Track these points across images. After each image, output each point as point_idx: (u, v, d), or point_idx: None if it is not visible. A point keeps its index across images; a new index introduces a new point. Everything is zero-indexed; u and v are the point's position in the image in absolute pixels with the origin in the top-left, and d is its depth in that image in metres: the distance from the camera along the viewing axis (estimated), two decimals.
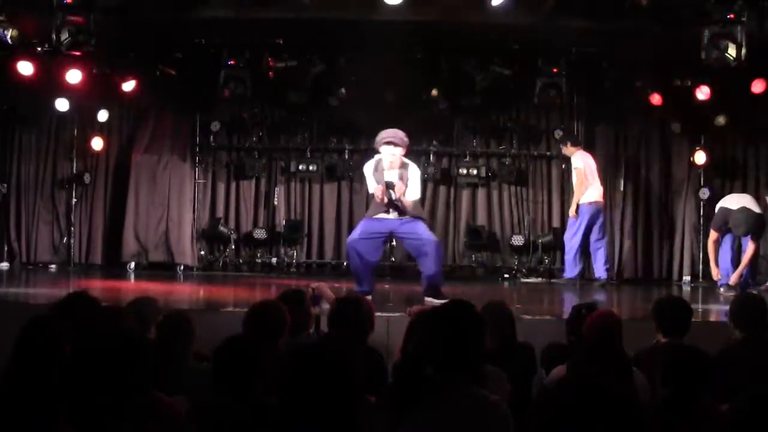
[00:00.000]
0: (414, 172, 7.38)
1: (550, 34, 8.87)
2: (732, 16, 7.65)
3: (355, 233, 7.39)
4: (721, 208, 9.06)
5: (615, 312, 4.68)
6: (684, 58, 8.94)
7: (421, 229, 7.33)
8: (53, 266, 10.78)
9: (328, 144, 11.02)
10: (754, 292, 8.37)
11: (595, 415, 2.35)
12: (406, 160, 7.42)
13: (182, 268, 10.66)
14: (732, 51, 7.67)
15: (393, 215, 7.30)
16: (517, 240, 10.82)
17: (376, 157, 7.46)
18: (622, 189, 10.82)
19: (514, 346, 4.45)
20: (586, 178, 9.53)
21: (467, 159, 10.85)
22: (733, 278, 8.95)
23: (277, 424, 2.63)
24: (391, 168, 7.28)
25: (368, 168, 7.47)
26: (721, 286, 9.14)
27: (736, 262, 9.17)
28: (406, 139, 7.34)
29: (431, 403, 2.79)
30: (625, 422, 2.35)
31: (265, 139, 11.01)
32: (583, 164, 9.60)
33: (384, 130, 7.39)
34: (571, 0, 8.18)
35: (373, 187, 7.33)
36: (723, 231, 9.07)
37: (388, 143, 7.24)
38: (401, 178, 7.27)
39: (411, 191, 7.32)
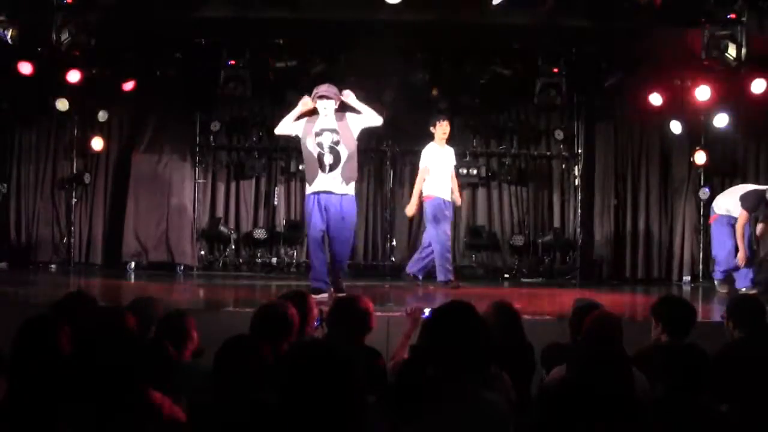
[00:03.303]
0: (353, 115, 7.51)
1: (550, 34, 8.88)
2: (732, 16, 7.66)
3: (314, 226, 7.38)
4: (755, 191, 8.89)
5: (615, 312, 4.68)
6: (684, 58, 8.94)
7: (352, 216, 7.47)
8: (53, 266, 10.78)
9: None
10: (753, 291, 8.43)
11: (595, 414, 2.35)
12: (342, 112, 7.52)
13: (182, 268, 10.66)
14: (732, 51, 7.68)
15: (331, 185, 7.31)
16: (517, 240, 10.83)
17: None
18: (621, 189, 10.83)
19: (520, 346, 4.45)
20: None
21: (467, 159, 10.85)
22: (740, 257, 8.85)
23: (277, 425, 2.63)
24: (324, 116, 7.41)
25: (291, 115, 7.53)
26: (716, 279, 9.25)
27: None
28: (338, 92, 7.47)
29: (431, 403, 2.79)
30: (625, 422, 2.35)
31: (265, 139, 11.01)
32: None
33: (319, 85, 7.51)
34: (571, 0, 8.19)
35: (294, 115, 7.46)
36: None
37: (321, 97, 7.36)
38: (340, 122, 7.39)
39: (366, 111, 7.48)
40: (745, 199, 8.85)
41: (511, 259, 10.93)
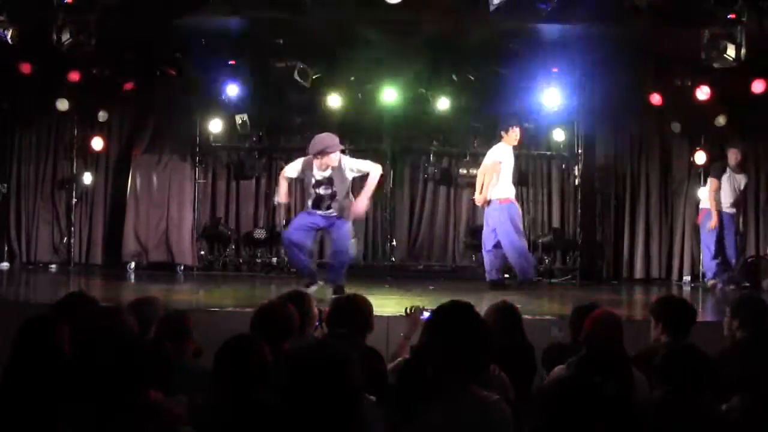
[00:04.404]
0: (348, 158, 7.89)
1: (550, 34, 8.87)
2: (732, 16, 7.64)
3: (290, 227, 7.93)
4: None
5: (615, 312, 4.68)
6: (684, 58, 8.94)
7: (345, 232, 7.76)
8: (53, 266, 10.78)
9: None
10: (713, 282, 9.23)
11: (595, 414, 2.35)
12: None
13: (182, 268, 10.66)
14: (732, 51, 7.67)
15: (324, 211, 7.76)
16: None
17: (305, 159, 7.86)
18: (621, 189, 10.83)
19: (520, 346, 4.45)
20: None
21: (467, 159, 10.84)
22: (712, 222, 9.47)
23: (277, 425, 2.63)
24: (321, 170, 7.72)
25: (295, 165, 7.95)
26: (708, 279, 9.69)
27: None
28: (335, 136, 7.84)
29: (431, 403, 2.79)
30: (625, 422, 2.35)
31: (265, 139, 11.01)
32: None
33: (321, 137, 7.78)
34: (571, 0, 8.18)
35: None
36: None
37: (334, 152, 7.65)
38: (337, 173, 7.68)
39: (364, 167, 7.82)
40: (714, 168, 9.61)
41: None
